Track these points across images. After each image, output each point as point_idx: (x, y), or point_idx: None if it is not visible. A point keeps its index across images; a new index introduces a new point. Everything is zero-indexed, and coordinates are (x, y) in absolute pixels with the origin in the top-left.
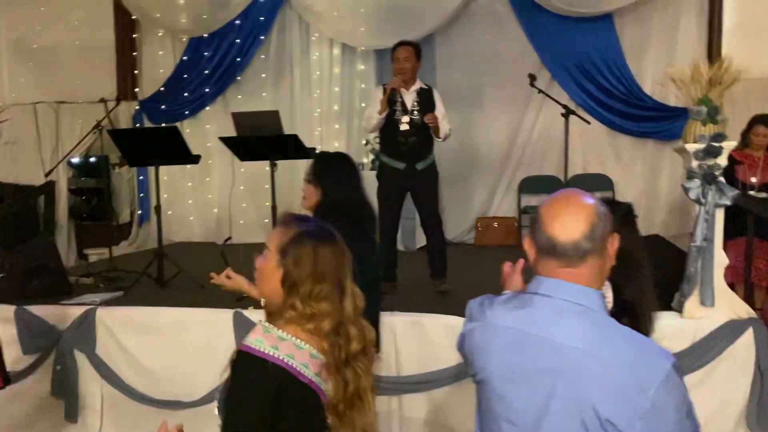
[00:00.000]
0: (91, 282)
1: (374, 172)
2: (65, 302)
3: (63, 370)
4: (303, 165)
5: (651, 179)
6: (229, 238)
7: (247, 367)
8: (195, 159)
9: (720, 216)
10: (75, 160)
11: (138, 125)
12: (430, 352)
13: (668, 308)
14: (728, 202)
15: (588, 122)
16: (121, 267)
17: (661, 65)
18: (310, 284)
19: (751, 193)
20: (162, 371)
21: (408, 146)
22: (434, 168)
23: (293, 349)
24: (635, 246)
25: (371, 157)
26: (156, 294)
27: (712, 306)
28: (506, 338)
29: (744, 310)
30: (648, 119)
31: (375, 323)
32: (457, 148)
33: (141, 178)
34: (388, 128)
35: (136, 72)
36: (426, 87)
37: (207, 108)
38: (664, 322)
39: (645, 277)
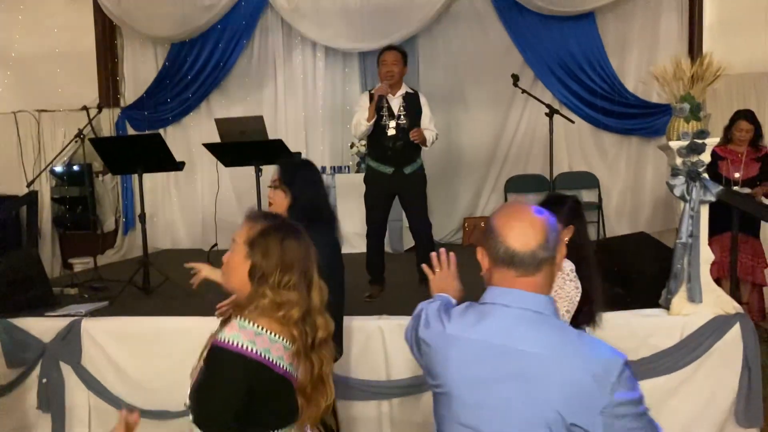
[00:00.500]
0: (76, 292)
1: (360, 175)
2: (50, 314)
3: (49, 383)
4: None
5: (635, 176)
6: (215, 245)
7: (223, 362)
8: (179, 166)
9: (705, 212)
10: (58, 168)
11: (121, 132)
12: None
13: (655, 305)
14: (713, 199)
15: (572, 121)
16: (107, 276)
17: (643, 62)
18: (278, 274)
19: (735, 188)
20: (149, 381)
21: (395, 151)
22: (422, 171)
23: (268, 344)
24: (584, 237)
25: (356, 159)
26: (142, 303)
27: (701, 302)
28: (469, 349)
29: (730, 306)
30: (631, 116)
31: (339, 326)
32: (442, 149)
33: (125, 185)
34: (375, 133)
35: (117, 79)
36: (412, 91)
37: (190, 114)
38: (652, 319)
39: (593, 264)
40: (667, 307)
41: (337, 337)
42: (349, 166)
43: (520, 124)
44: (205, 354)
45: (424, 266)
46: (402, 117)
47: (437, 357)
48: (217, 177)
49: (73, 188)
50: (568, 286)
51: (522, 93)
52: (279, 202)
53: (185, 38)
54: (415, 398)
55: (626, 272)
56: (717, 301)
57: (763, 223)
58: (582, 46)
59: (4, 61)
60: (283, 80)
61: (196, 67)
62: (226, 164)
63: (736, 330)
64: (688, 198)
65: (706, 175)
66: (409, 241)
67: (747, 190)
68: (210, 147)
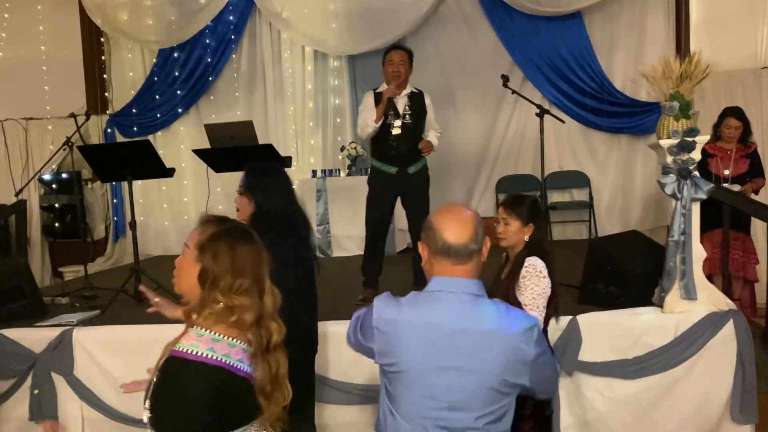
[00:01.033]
0: (67, 302)
1: (351, 178)
2: (40, 324)
3: (41, 394)
4: None
5: (626, 174)
6: None
7: (184, 373)
8: (169, 172)
9: (696, 210)
10: (46, 176)
11: (109, 139)
12: None
13: (649, 303)
14: (704, 196)
15: (563, 121)
16: (98, 285)
17: (630, 61)
18: (230, 278)
19: (725, 185)
20: (143, 391)
21: (400, 150)
22: (426, 171)
23: (228, 348)
24: (544, 235)
25: (347, 163)
26: (134, 311)
27: (696, 299)
28: (424, 333)
29: (723, 302)
30: (620, 115)
31: (314, 330)
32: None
33: (115, 193)
34: (379, 133)
35: (105, 85)
36: (417, 91)
37: (180, 119)
38: (646, 317)
39: (553, 259)
40: (660, 305)
41: (310, 337)
42: (339, 170)
43: (510, 125)
44: (161, 364)
45: None
46: (407, 116)
47: (395, 341)
48: (207, 183)
49: (63, 196)
50: (542, 283)
51: (512, 94)
52: (243, 208)
53: (173, 44)
54: None
55: (619, 271)
56: (710, 298)
57: (753, 219)
58: (570, 45)
59: None
60: (272, 84)
61: (185, 72)
62: (216, 170)
63: (729, 327)
64: (679, 196)
65: (697, 173)
66: (401, 243)
67: (737, 187)
68: (200, 153)
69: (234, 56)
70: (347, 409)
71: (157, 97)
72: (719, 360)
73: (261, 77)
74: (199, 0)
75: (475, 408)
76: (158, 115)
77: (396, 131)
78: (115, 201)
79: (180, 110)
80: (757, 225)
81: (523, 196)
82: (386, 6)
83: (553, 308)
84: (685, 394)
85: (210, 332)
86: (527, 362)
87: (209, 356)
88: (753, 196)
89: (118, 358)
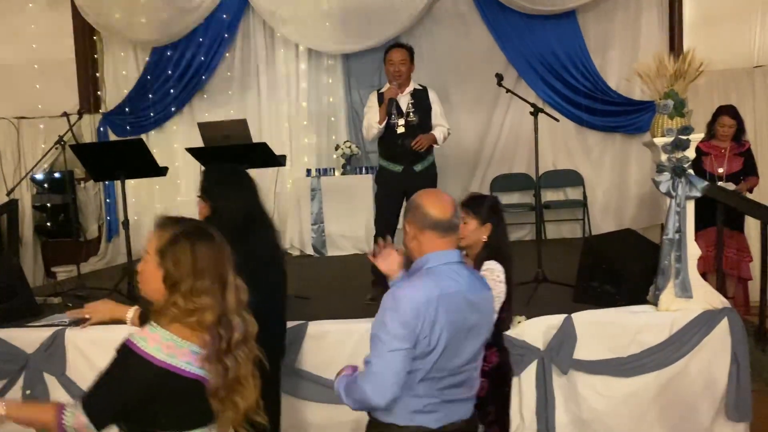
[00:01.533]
0: (60, 301)
1: (346, 177)
2: (32, 324)
3: (33, 395)
4: (271, 173)
5: (620, 173)
6: None
7: (127, 360)
8: (162, 171)
9: (691, 208)
10: (39, 176)
11: (102, 138)
12: None
13: (643, 302)
14: (698, 194)
15: (557, 120)
16: (91, 284)
17: (624, 60)
18: (190, 281)
19: (719, 183)
20: None
21: (405, 148)
22: (434, 169)
23: (174, 349)
24: (502, 235)
25: (342, 162)
26: None
27: (691, 297)
28: (449, 305)
29: (718, 300)
30: (614, 114)
31: (282, 334)
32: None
33: (108, 192)
34: (385, 133)
35: (98, 84)
36: (421, 87)
37: (173, 118)
38: (641, 315)
39: (511, 262)
40: (655, 303)
41: (279, 339)
42: (334, 169)
43: (505, 124)
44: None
45: (369, 257)
46: (411, 114)
47: (428, 324)
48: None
49: (55, 195)
50: (498, 288)
51: (506, 92)
52: (201, 211)
53: (166, 42)
54: None
55: (613, 269)
56: (705, 296)
57: (747, 217)
58: (564, 44)
59: None
60: (266, 83)
61: (178, 71)
62: None
63: (724, 324)
64: (674, 194)
65: (691, 171)
66: (398, 243)
67: (731, 185)
68: (193, 152)
69: (227, 55)
70: (346, 409)
71: (150, 95)
72: (714, 358)
73: (255, 76)
74: None
75: (477, 358)
76: (151, 114)
77: (400, 130)
78: (108, 200)
79: (173, 109)
80: (750, 223)
81: (483, 196)
82: (380, 5)
83: (506, 314)
84: (680, 391)
85: (163, 330)
86: (491, 317)
87: (153, 355)
88: (747, 194)
89: (110, 357)
